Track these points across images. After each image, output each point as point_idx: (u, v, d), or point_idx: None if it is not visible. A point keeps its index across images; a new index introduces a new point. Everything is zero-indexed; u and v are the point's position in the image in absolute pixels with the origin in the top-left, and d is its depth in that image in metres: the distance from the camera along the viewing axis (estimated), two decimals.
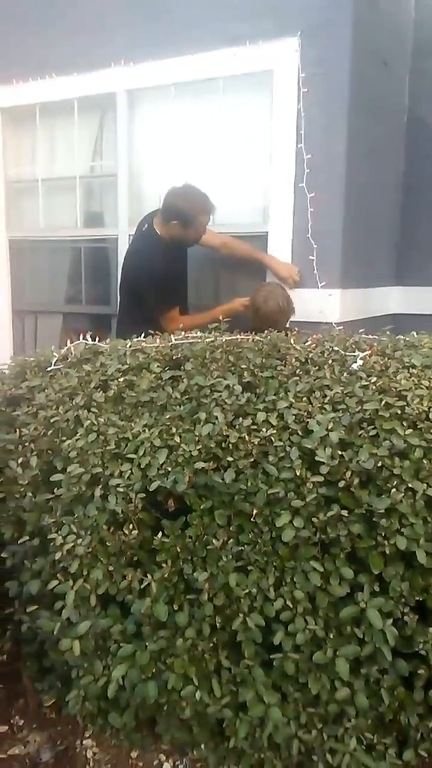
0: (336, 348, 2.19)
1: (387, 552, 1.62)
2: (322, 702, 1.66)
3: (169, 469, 1.78)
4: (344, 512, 1.62)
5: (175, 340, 2.36)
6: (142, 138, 3.79)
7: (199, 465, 1.73)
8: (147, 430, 1.89)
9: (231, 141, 3.51)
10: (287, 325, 3.10)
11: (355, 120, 3.20)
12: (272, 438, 1.74)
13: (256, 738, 1.72)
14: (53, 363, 2.43)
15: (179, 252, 3.36)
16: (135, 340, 2.41)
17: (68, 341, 2.55)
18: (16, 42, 3.97)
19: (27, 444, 2.06)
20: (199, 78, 3.48)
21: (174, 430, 1.87)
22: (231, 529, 1.74)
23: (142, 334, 2.50)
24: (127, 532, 1.76)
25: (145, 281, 3.23)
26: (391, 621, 1.60)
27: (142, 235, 3.38)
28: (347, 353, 2.15)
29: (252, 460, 1.73)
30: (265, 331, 2.42)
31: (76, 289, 4.23)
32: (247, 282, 3.52)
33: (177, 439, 1.83)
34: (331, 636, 1.64)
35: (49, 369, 2.41)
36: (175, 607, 1.74)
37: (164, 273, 3.22)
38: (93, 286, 4.17)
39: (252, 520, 1.70)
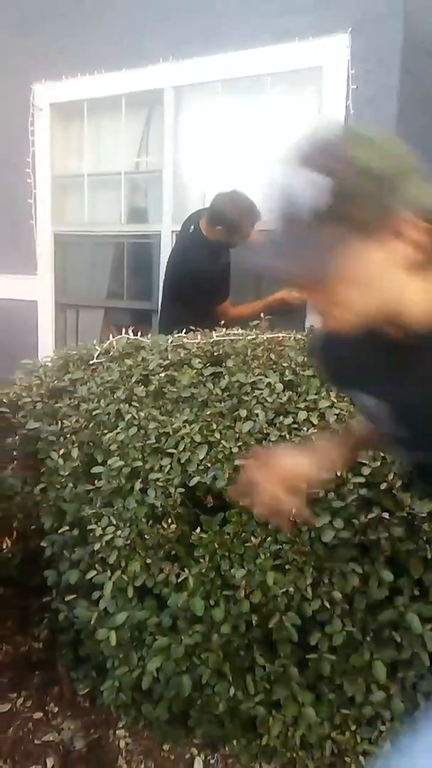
0: None
1: (428, 557, 1.60)
2: (357, 704, 1.65)
3: (209, 465, 1.78)
4: (385, 515, 1.60)
5: (216, 336, 2.36)
6: (187, 135, 3.80)
7: (239, 462, 1.73)
8: (187, 426, 1.90)
9: (278, 139, 3.49)
10: None
11: (406, 116, 3.15)
12: (313, 437, 1.73)
13: (288, 737, 1.71)
14: (95, 356, 2.46)
15: (225, 251, 3.37)
16: (176, 335, 2.42)
17: (109, 335, 2.58)
18: (65, 38, 4.02)
19: (68, 436, 2.09)
20: (246, 74, 3.47)
21: (214, 426, 1.87)
22: (269, 527, 1.73)
23: (183, 330, 2.51)
24: (165, 525, 1.77)
25: (193, 282, 3.26)
26: (430, 626, 1.58)
27: (189, 236, 3.40)
28: None
29: None
30: None
31: (118, 284, 4.27)
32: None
33: (217, 435, 1.83)
34: (369, 639, 1.62)
35: (91, 362, 2.44)
36: (212, 603, 1.74)
37: (212, 274, 3.26)
38: (135, 281, 4.20)
39: (290, 519, 1.69)
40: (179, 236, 3.63)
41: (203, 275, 3.23)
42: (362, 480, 1.63)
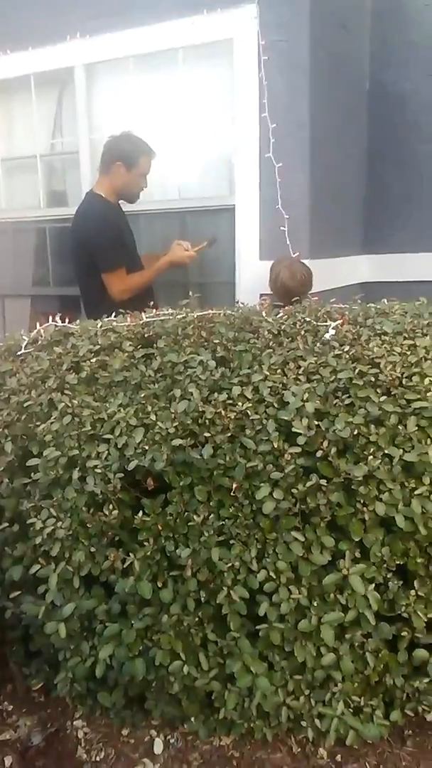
0: (308, 319, 2.18)
1: (366, 518, 1.64)
2: (309, 669, 1.69)
3: (147, 447, 1.77)
4: (323, 481, 1.62)
5: (147, 317, 2.33)
6: (102, 113, 3.71)
7: (177, 442, 1.72)
8: (122, 410, 1.88)
9: (194, 113, 3.45)
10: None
11: (318, 86, 3.16)
12: (248, 411, 1.74)
13: (245, 708, 1.74)
14: (23, 347, 2.39)
15: (120, 210, 3.31)
16: (105, 319, 2.38)
17: (37, 324, 2.51)
18: None
19: (0, 430, 2.03)
20: (157, 49, 3.41)
21: (149, 408, 1.85)
22: (211, 504, 1.74)
23: (113, 313, 2.47)
24: (107, 512, 1.75)
25: (90, 239, 3.14)
26: (373, 586, 1.63)
27: (83, 199, 3.31)
28: (319, 323, 2.15)
29: (229, 434, 1.72)
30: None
31: (42, 270, 4.16)
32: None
33: (153, 417, 1.81)
34: (315, 604, 1.65)
35: (19, 353, 2.38)
36: (159, 585, 1.74)
37: (107, 230, 3.15)
38: (60, 267, 4.10)
39: (232, 494, 1.70)
40: None
41: (101, 231, 3.13)
42: (298, 450, 1.65)
